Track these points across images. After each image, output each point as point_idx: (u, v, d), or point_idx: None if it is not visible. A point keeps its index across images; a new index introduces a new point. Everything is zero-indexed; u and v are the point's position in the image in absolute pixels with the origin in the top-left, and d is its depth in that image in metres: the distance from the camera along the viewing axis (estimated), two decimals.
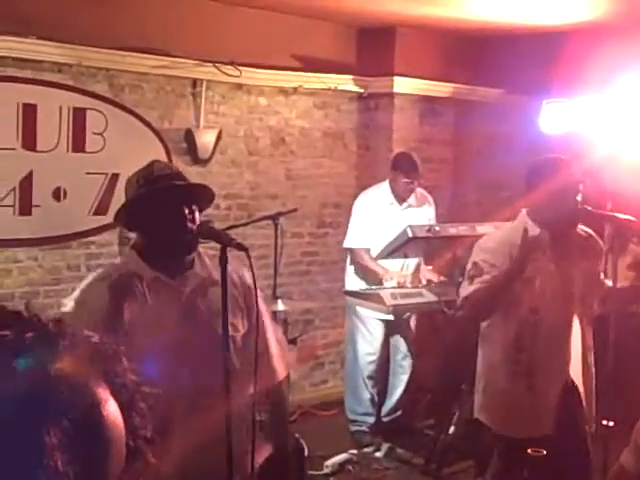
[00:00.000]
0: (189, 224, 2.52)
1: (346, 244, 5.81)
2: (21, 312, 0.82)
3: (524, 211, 3.63)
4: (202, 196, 2.64)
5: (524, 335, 3.53)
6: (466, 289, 3.56)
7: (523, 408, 3.54)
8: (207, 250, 2.66)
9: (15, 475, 0.71)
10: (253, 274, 2.57)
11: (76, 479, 0.73)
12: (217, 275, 2.53)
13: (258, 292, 2.70)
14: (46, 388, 0.74)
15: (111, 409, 0.79)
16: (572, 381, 3.59)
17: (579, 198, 3.50)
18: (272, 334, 2.82)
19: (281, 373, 2.84)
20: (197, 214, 2.56)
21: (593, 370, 3.71)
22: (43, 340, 0.78)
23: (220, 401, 2.39)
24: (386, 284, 5.48)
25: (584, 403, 3.63)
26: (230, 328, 2.54)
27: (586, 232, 3.70)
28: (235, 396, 2.47)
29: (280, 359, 2.82)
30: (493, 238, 3.67)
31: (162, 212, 2.51)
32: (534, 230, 3.52)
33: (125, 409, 0.82)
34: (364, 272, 5.70)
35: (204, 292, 2.61)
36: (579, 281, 3.60)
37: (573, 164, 3.60)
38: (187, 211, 2.52)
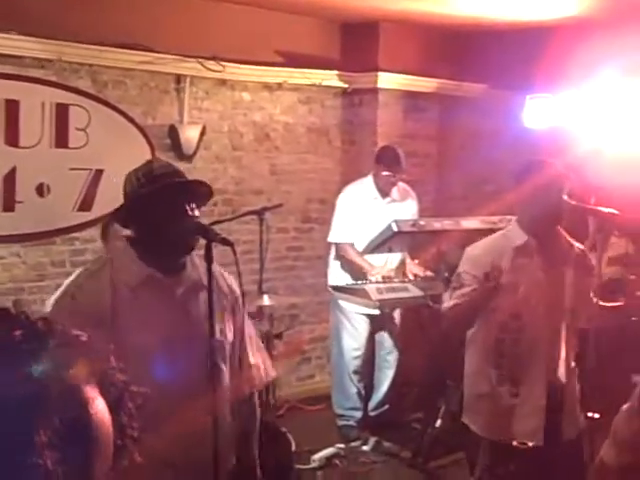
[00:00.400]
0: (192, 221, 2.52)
1: (330, 239, 5.80)
2: (9, 309, 0.81)
3: (514, 219, 3.65)
4: (201, 193, 2.63)
5: (505, 340, 3.53)
6: (446, 302, 3.63)
7: (507, 413, 3.53)
8: (197, 251, 2.65)
9: (5, 475, 0.71)
10: (238, 269, 2.57)
11: (64, 477, 0.73)
12: (206, 279, 2.55)
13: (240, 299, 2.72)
14: (37, 387, 0.74)
15: (99, 407, 0.79)
16: (560, 386, 3.59)
17: (564, 195, 3.51)
18: (253, 344, 2.82)
19: (258, 381, 2.83)
20: (196, 211, 2.55)
21: (575, 380, 3.71)
22: (32, 338, 0.77)
23: (207, 401, 2.39)
24: (372, 279, 5.49)
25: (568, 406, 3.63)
26: (219, 334, 2.56)
27: (579, 249, 3.69)
28: (221, 398, 2.49)
29: (258, 369, 2.81)
30: (479, 246, 3.67)
31: (166, 209, 2.49)
32: (521, 238, 3.52)
33: (113, 408, 0.82)
34: (349, 267, 5.70)
35: (196, 295, 2.60)
36: (569, 292, 3.59)
37: (557, 164, 3.61)
38: (189, 208, 2.52)
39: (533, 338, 3.51)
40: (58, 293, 2.52)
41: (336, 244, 5.76)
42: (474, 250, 3.64)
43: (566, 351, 3.60)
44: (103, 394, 0.80)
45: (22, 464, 0.71)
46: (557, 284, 3.56)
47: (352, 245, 5.65)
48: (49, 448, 0.72)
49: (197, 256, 2.64)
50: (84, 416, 0.77)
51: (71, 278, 2.57)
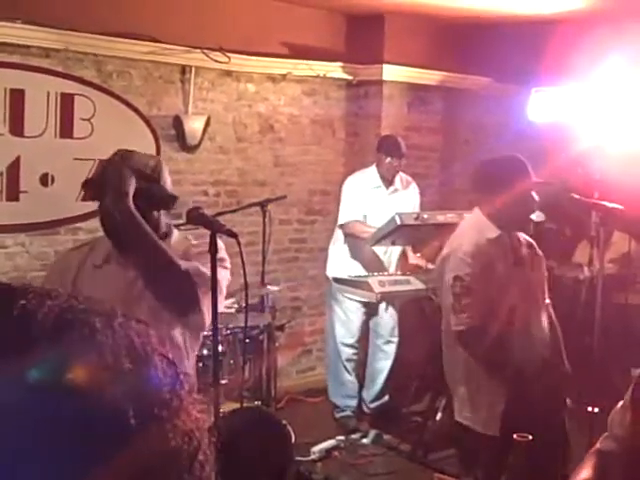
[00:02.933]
0: None
1: (340, 221, 5.80)
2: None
3: (478, 210, 3.59)
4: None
5: (502, 334, 3.55)
6: (458, 316, 3.44)
7: (500, 405, 3.54)
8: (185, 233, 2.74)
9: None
10: (243, 261, 2.58)
11: None
12: None
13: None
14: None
15: None
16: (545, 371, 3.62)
17: (535, 197, 3.52)
18: None
19: None
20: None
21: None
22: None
23: None
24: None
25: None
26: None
27: (528, 241, 3.72)
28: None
29: None
30: (466, 242, 3.52)
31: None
32: (494, 232, 3.52)
33: None
34: (362, 257, 5.70)
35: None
36: (540, 284, 3.69)
37: (527, 162, 3.58)
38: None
39: (522, 328, 3.55)
40: None
41: (343, 225, 5.77)
42: (466, 247, 3.48)
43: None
44: None
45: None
46: (531, 279, 3.63)
47: (360, 222, 5.66)
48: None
49: (180, 236, 2.76)
50: None
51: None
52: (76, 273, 2.63)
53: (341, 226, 5.81)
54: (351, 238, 5.74)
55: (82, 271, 2.63)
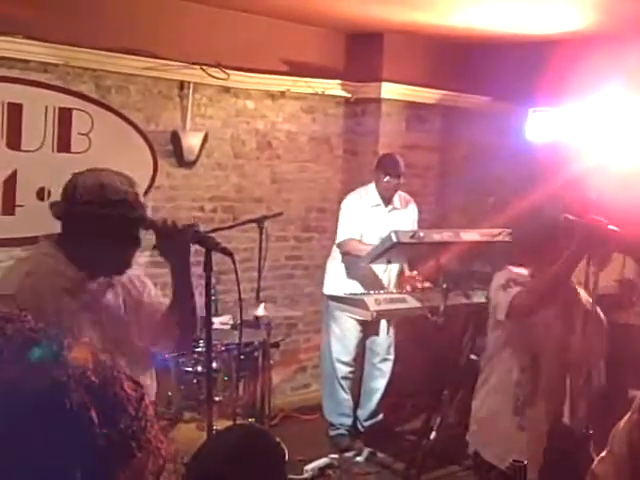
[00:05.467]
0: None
1: (338, 239, 5.80)
2: None
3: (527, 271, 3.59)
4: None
5: (523, 382, 3.52)
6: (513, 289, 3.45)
7: (518, 449, 3.51)
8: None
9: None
10: (237, 279, 2.58)
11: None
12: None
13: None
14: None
15: None
16: (563, 430, 3.59)
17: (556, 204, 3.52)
18: None
19: None
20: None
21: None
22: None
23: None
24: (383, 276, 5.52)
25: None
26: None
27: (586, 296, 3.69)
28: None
29: None
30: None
31: (125, 234, 2.59)
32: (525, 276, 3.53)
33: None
34: (360, 275, 5.70)
35: (117, 297, 2.70)
36: (578, 333, 3.58)
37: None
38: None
39: (547, 379, 3.51)
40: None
41: (342, 243, 5.77)
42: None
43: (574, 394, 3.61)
44: None
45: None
46: (566, 325, 3.56)
47: (358, 240, 5.67)
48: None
49: None
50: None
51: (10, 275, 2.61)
52: (52, 303, 2.51)
53: (338, 244, 5.81)
54: (348, 256, 5.74)
55: (57, 300, 2.53)
